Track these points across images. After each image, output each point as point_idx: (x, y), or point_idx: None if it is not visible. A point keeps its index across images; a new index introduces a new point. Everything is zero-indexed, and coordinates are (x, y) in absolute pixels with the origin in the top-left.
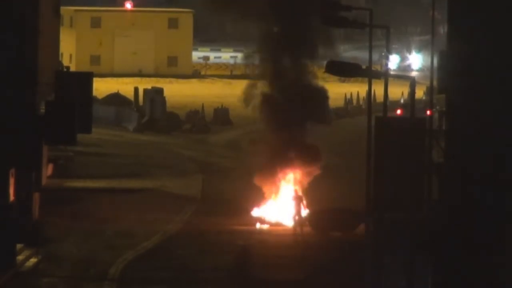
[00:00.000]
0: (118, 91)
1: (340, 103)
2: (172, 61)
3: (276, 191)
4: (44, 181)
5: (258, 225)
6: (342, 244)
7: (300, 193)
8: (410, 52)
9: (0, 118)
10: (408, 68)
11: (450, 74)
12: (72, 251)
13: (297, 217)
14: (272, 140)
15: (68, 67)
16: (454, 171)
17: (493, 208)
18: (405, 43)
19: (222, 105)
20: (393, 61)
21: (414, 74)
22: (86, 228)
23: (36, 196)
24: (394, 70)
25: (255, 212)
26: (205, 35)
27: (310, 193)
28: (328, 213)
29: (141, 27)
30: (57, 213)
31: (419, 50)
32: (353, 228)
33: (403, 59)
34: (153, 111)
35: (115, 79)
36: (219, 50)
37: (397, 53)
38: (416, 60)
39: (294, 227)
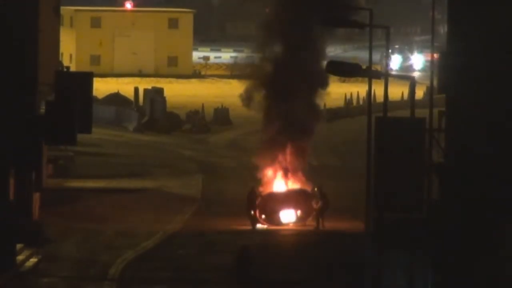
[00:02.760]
0: (118, 91)
1: (340, 103)
2: (172, 61)
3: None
4: (44, 181)
5: (258, 225)
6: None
7: (256, 189)
8: (412, 53)
9: (0, 118)
10: (410, 68)
11: (450, 74)
12: (72, 251)
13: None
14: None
15: (68, 67)
16: (454, 170)
17: (493, 207)
18: (407, 43)
19: (222, 105)
20: (395, 62)
21: (416, 74)
22: (86, 228)
23: (36, 196)
24: (396, 70)
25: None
26: (205, 35)
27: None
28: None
29: (141, 27)
30: (57, 213)
31: (421, 50)
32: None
33: (405, 59)
34: (153, 111)
35: (115, 79)
36: (219, 50)
37: (399, 53)
38: (418, 60)
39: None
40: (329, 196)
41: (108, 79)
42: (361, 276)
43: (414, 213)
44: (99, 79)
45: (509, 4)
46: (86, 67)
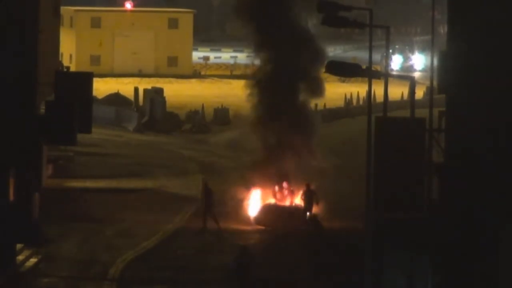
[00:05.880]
0: (118, 91)
1: (340, 103)
2: (172, 61)
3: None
4: (44, 181)
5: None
6: None
7: (209, 187)
8: (413, 53)
9: (0, 118)
10: (411, 68)
11: (450, 74)
12: (72, 251)
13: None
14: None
15: (68, 67)
16: (454, 170)
17: (493, 208)
18: (408, 43)
19: (222, 105)
20: (396, 62)
21: (417, 74)
22: (86, 228)
23: (36, 196)
24: (397, 70)
25: (252, 212)
26: (205, 35)
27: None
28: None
29: (141, 27)
30: (57, 213)
31: (422, 50)
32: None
33: (406, 59)
34: (153, 111)
35: (115, 79)
36: (219, 50)
37: (400, 53)
38: (419, 61)
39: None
40: (329, 196)
41: (108, 79)
42: (361, 276)
43: (414, 213)
44: (99, 79)
45: (509, 4)
46: (86, 67)
